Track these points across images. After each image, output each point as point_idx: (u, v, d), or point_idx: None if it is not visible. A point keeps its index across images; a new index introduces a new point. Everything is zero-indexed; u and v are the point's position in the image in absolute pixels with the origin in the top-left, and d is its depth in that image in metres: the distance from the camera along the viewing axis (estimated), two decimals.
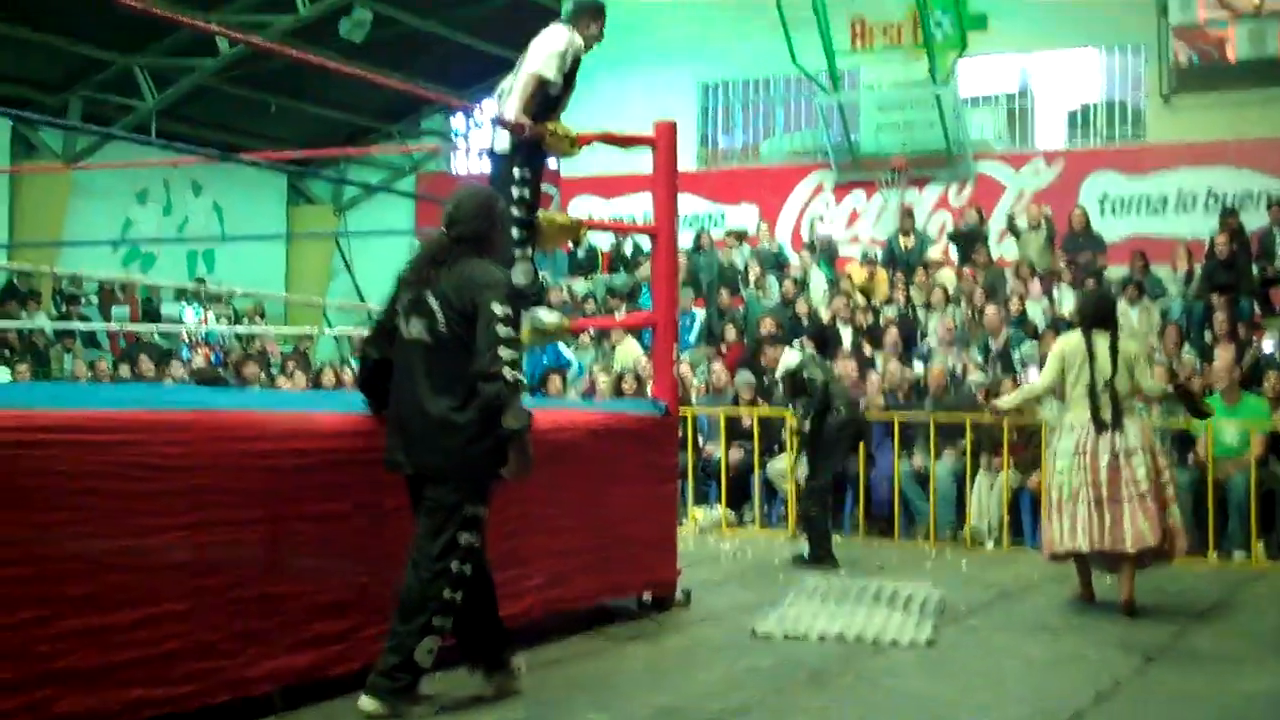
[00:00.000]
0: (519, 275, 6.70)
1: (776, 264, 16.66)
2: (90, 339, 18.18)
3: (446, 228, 5.12)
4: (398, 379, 5.06)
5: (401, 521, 5.20)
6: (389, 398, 5.12)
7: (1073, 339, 7.92)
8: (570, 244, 14.55)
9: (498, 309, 4.84)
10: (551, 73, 6.89)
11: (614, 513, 6.77)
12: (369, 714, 4.76)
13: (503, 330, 4.82)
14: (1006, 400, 8.86)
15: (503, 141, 6.97)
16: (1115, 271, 14.92)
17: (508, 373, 4.76)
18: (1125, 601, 7.49)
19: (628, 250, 17.82)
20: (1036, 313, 13.81)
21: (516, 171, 6.87)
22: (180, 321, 18.86)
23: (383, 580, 5.14)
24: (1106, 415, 7.59)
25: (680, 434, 9.27)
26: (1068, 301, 13.79)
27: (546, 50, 6.94)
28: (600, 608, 6.75)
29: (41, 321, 17.38)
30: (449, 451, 4.90)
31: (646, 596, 7.13)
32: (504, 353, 4.79)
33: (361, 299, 22.47)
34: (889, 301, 14.76)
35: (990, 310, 13.23)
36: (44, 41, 18.39)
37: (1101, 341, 7.74)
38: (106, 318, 18.72)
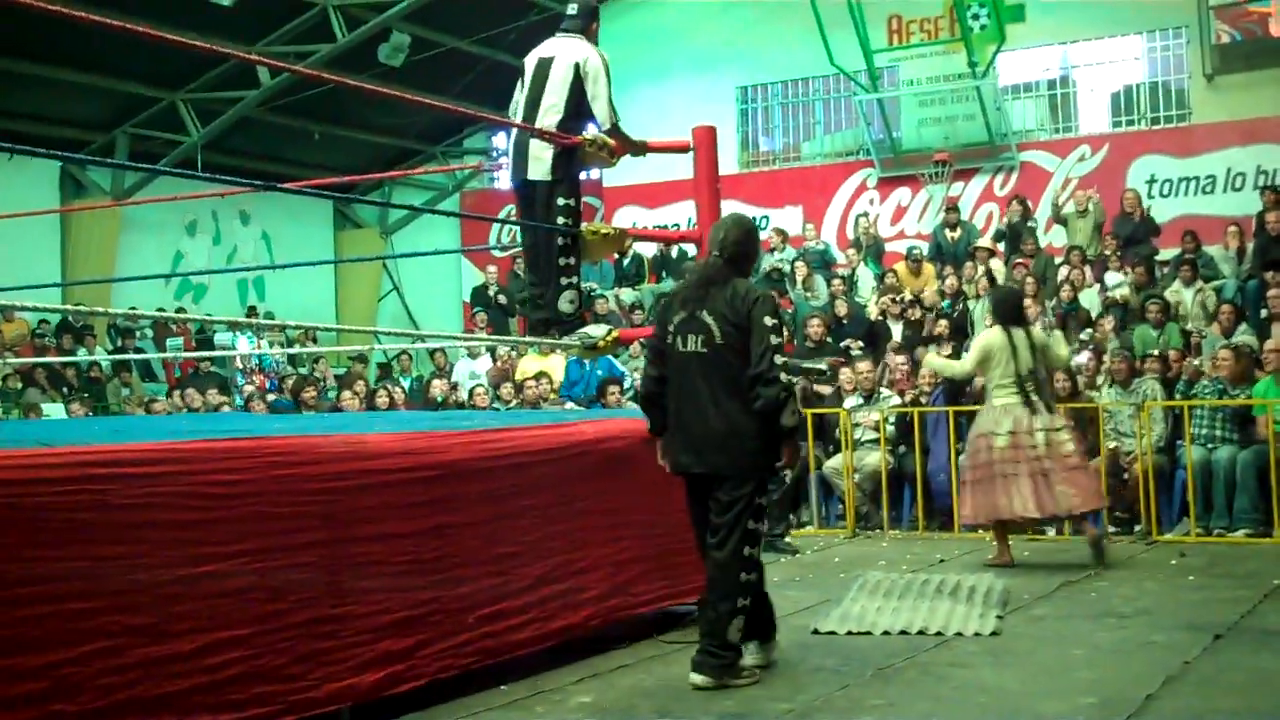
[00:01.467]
0: (565, 303, 6.97)
1: (823, 263, 16.63)
2: (147, 371, 18.41)
3: (718, 252, 5.74)
4: (676, 391, 5.71)
5: (461, 536, 5.25)
6: (668, 409, 5.75)
7: (994, 335, 9.11)
8: (615, 254, 14.58)
9: (768, 321, 5.55)
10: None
11: (672, 519, 6.77)
12: (699, 686, 5.43)
13: (774, 339, 5.52)
14: (933, 361, 10.73)
15: (540, 169, 6.97)
16: (1166, 253, 14.81)
17: (783, 376, 5.46)
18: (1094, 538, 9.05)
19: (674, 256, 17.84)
20: (1089, 299, 13.70)
21: (561, 201, 6.95)
22: (234, 350, 19.01)
23: (446, 595, 5.18)
24: (1035, 399, 8.86)
25: None
26: (1120, 286, 13.69)
27: (598, 71, 7.04)
28: (662, 613, 6.76)
29: (99, 355, 17.62)
30: (740, 452, 5.56)
31: (691, 604, 7.11)
32: (777, 359, 5.49)
33: (411, 320, 22.65)
34: (939, 296, 14.69)
35: (1036, 299, 13.14)
36: (89, 83, 18.63)
37: (1019, 335, 8.99)
38: (161, 350, 18.94)
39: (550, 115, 6.97)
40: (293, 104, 20.04)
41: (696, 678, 5.47)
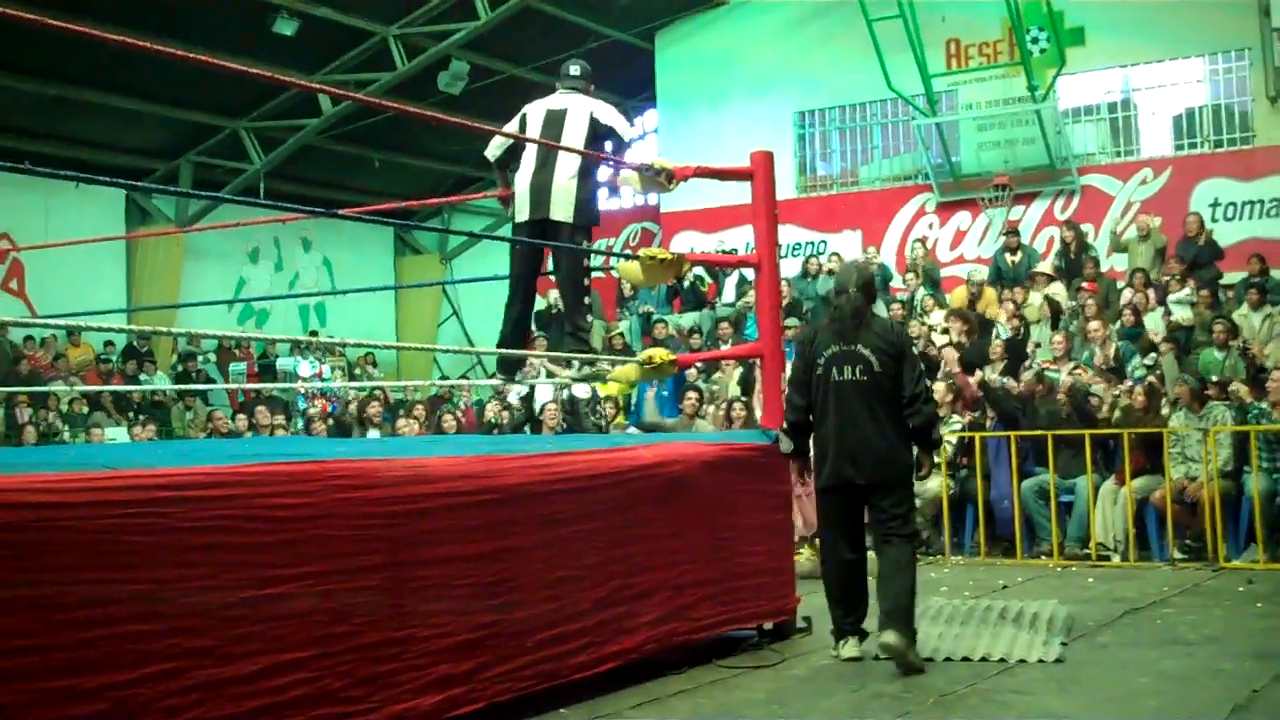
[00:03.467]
0: (583, 320, 7.68)
1: (884, 287, 16.57)
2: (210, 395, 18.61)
3: (861, 291, 6.54)
4: (831, 413, 6.46)
5: (520, 560, 5.25)
6: (821, 431, 6.52)
7: None
8: (673, 279, 14.60)
9: (915, 350, 6.89)
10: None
11: (730, 543, 6.76)
12: (893, 644, 6.10)
13: (921, 366, 6.62)
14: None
15: (564, 211, 7.39)
16: (1232, 277, 14.63)
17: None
18: None
19: (733, 281, 17.86)
20: (1154, 322, 13.57)
21: (585, 242, 7.53)
22: (295, 374, 19.19)
23: (504, 618, 5.18)
24: None
25: None
26: (1184, 309, 13.55)
27: (614, 115, 7.65)
28: (721, 638, 6.72)
29: (162, 381, 17.82)
30: (900, 465, 6.47)
31: (767, 625, 7.09)
32: (925, 384, 6.54)
33: (470, 344, 22.73)
34: (999, 319, 14.60)
35: (1095, 324, 13.03)
36: (153, 112, 18.91)
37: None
38: (224, 374, 19.14)
39: (571, 163, 7.41)
40: (353, 132, 20.27)
41: (891, 636, 6.12)
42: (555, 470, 5.70)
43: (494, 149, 7.88)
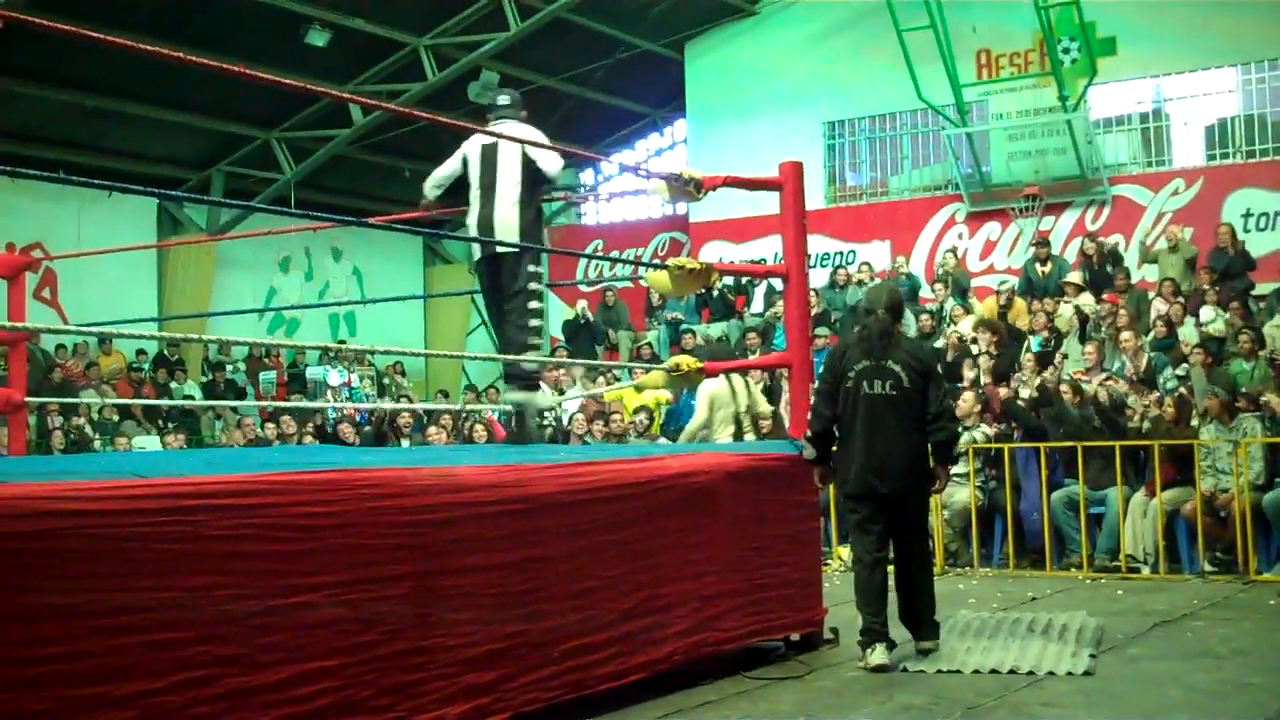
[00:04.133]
0: (533, 366, 7.61)
1: (912, 297, 16.53)
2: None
3: (889, 311, 6.87)
4: (859, 426, 6.73)
5: (547, 570, 5.25)
6: (848, 441, 6.79)
7: (717, 383, 10.59)
8: (702, 289, 14.62)
9: (939, 369, 7.25)
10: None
11: (758, 554, 6.75)
12: (930, 649, 6.73)
13: (945, 385, 7.21)
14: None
15: (509, 239, 7.47)
16: (1265, 287, 14.54)
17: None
18: None
19: (761, 291, 17.85)
20: (1187, 333, 13.47)
21: (530, 268, 7.55)
22: (325, 384, 19.26)
23: (531, 628, 5.19)
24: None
25: None
26: (1215, 321, 13.47)
27: (547, 153, 7.67)
28: (748, 649, 6.72)
29: (192, 389, 17.91)
30: (923, 476, 6.84)
31: (795, 636, 7.08)
32: (948, 402, 7.07)
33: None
34: (1031, 330, 14.54)
35: (1126, 335, 12.95)
36: (187, 122, 19.05)
37: (738, 380, 10.82)
38: (254, 383, 19.23)
39: (510, 194, 7.56)
40: (384, 142, 20.36)
41: (926, 644, 6.76)
42: (582, 480, 5.70)
43: (431, 190, 8.01)
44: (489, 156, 7.67)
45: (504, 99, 8.06)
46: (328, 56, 17.95)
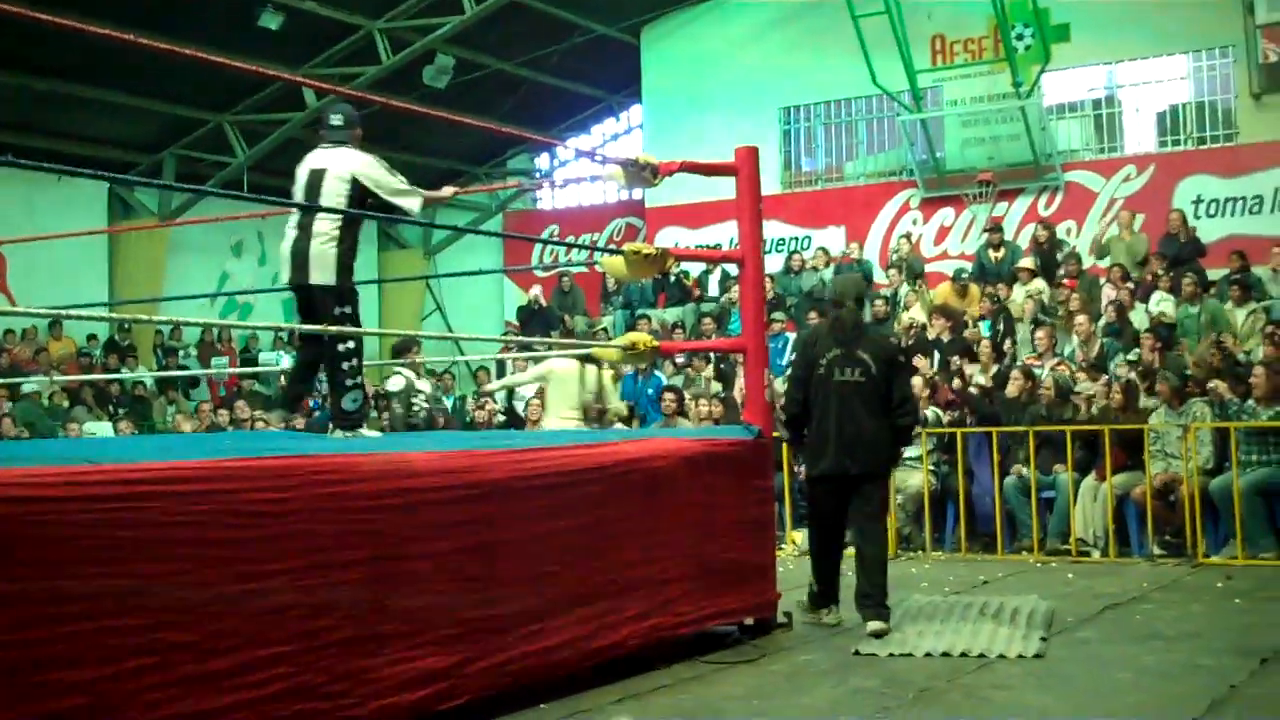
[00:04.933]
0: (349, 402, 7.04)
1: (866, 283, 16.60)
2: (192, 389, 18.56)
3: (856, 303, 7.45)
4: (832, 410, 7.14)
5: (502, 555, 5.26)
6: (821, 424, 7.19)
7: (566, 363, 11.25)
8: (658, 274, 14.62)
9: (903, 359, 8.03)
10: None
11: (711, 539, 6.77)
12: (880, 630, 6.84)
13: (908, 375, 7.90)
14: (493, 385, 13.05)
15: (324, 275, 6.93)
16: (1215, 274, 14.68)
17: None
18: None
19: (716, 277, 17.87)
20: (1138, 318, 13.59)
21: (338, 310, 6.94)
22: (278, 367, 19.16)
23: (487, 614, 5.19)
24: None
25: (776, 456, 9.24)
26: (1165, 306, 13.60)
27: (379, 176, 7.08)
28: (702, 634, 6.74)
29: (142, 373, 17.77)
30: (887, 457, 7.32)
31: (749, 621, 7.11)
32: (910, 389, 7.73)
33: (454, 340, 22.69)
34: (982, 316, 14.63)
35: (1081, 319, 13.07)
36: (137, 105, 18.87)
37: (592, 369, 11.25)
38: (207, 368, 19.10)
39: (329, 229, 6.93)
40: None
41: (876, 625, 6.85)
42: (538, 465, 5.71)
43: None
44: (314, 184, 7.03)
45: (336, 118, 7.30)
46: (281, 39, 17.81)
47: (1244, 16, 17.13)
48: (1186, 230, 15.27)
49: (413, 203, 7.11)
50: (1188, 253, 14.89)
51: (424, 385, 13.41)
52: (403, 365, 12.83)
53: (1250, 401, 10.64)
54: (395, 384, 13.03)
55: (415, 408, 12.88)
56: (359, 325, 7.16)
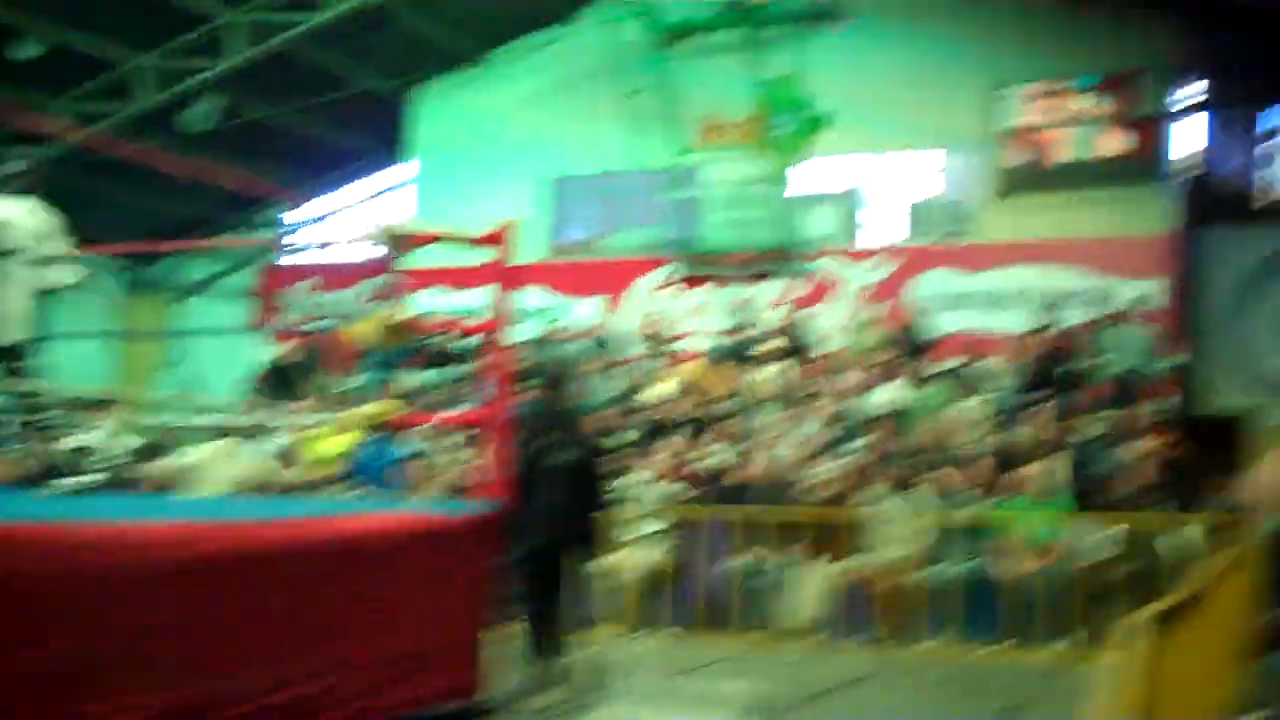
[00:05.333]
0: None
1: (615, 354, 16.80)
2: None
3: (555, 391, 8.37)
4: (550, 489, 7.74)
5: (199, 633, 5.11)
6: (535, 502, 7.60)
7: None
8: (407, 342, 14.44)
9: (600, 444, 8.95)
10: None
11: (430, 618, 6.67)
12: (565, 699, 7.43)
13: (604, 458, 8.72)
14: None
15: (22, 328, 6.81)
16: (951, 364, 15.23)
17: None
18: None
19: (472, 344, 17.76)
20: (876, 404, 14.02)
21: (23, 366, 6.82)
22: None
23: (181, 695, 5.03)
24: None
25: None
26: (901, 396, 14.07)
27: (58, 239, 6.98)
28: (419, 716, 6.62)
29: None
30: (590, 533, 8.09)
31: (453, 706, 6.98)
32: (606, 470, 8.65)
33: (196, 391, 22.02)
34: (729, 394, 14.89)
35: (821, 402, 13.44)
36: None
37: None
38: None
39: (22, 280, 6.81)
40: (90, 163, 19.53)
41: (561, 694, 7.46)
42: (244, 540, 5.56)
43: None
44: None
45: (19, 164, 7.15)
46: (36, 69, 17.14)
47: (990, 120, 17.98)
48: (925, 322, 15.86)
49: (76, 275, 7.05)
50: (925, 344, 15.46)
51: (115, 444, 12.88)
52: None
53: (975, 490, 11.10)
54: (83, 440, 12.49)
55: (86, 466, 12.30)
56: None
